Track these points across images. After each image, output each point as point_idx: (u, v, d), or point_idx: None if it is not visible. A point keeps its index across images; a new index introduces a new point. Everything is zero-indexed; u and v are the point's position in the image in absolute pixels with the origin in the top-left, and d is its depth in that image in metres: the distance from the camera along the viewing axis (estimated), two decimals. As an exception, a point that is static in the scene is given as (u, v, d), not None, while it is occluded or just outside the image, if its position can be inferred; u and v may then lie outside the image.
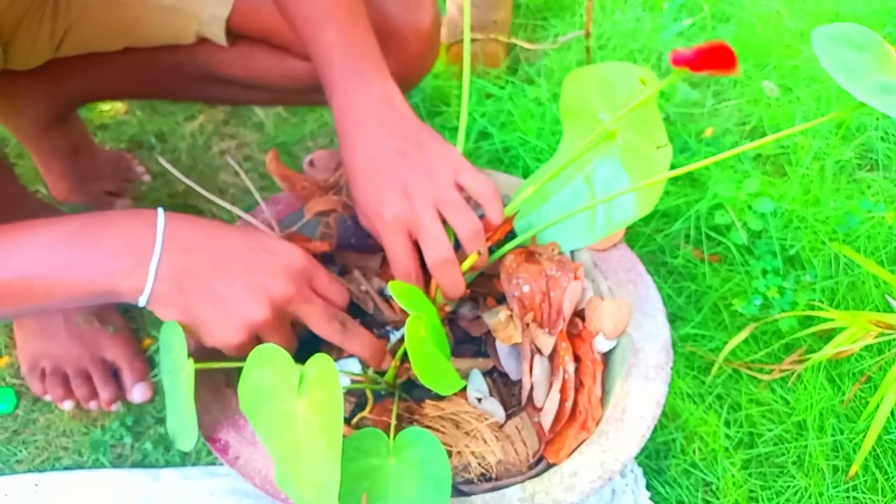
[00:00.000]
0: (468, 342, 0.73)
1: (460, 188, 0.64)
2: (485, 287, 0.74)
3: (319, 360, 0.54)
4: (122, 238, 0.55)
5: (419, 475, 0.55)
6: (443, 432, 0.64)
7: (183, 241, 0.56)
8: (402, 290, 0.58)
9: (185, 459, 0.84)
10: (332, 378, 0.53)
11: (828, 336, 0.89)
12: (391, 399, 0.67)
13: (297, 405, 0.53)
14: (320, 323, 0.60)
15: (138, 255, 0.54)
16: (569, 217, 0.71)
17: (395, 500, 0.55)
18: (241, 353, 0.56)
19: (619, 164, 0.72)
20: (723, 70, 0.59)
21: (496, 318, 0.68)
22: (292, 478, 0.51)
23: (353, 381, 0.68)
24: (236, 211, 0.75)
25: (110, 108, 1.22)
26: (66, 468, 0.83)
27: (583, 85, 0.74)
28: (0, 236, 0.54)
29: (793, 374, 0.90)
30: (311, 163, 0.79)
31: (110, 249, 0.54)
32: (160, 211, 0.57)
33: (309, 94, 0.90)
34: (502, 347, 0.69)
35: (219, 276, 0.56)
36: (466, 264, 0.63)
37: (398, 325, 0.73)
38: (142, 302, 0.55)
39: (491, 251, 0.70)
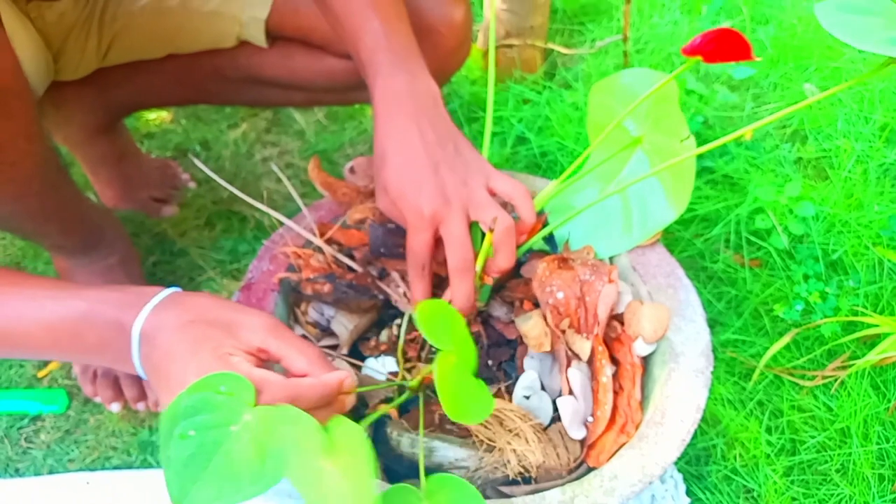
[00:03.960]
0: (504, 345, 0.73)
1: (492, 193, 0.65)
2: (520, 291, 0.74)
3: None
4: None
5: None
6: (487, 427, 0.64)
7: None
8: (427, 319, 0.54)
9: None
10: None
11: (872, 342, 0.88)
12: (427, 403, 0.67)
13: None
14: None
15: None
16: (600, 202, 0.72)
17: None
18: None
19: (649, 169, 0.72)
20: (736, 56, 0.59)
21: (527, 324, 0.68)
22: None
23: (388, 379, 0.69)
24: (278, 216, 0.76)
25: (156, 118, 1.25)
26: (116, 467, 0.85)
27: (607, 96, 0.75)
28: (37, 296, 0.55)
29: (836, 380, 0.88)
30: (352, 169, 0.80)
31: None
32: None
33: (346, 93, 0.92)
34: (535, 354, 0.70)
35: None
36: (481, 257, 0.64)
37: None
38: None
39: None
